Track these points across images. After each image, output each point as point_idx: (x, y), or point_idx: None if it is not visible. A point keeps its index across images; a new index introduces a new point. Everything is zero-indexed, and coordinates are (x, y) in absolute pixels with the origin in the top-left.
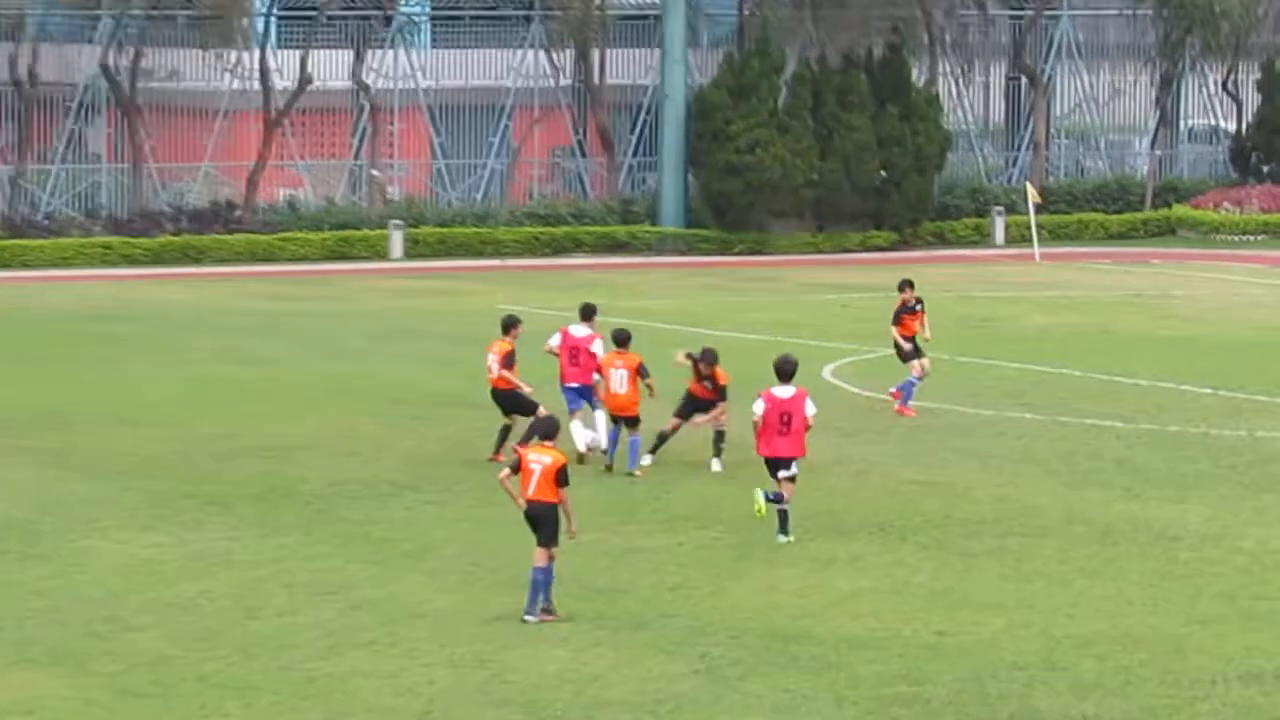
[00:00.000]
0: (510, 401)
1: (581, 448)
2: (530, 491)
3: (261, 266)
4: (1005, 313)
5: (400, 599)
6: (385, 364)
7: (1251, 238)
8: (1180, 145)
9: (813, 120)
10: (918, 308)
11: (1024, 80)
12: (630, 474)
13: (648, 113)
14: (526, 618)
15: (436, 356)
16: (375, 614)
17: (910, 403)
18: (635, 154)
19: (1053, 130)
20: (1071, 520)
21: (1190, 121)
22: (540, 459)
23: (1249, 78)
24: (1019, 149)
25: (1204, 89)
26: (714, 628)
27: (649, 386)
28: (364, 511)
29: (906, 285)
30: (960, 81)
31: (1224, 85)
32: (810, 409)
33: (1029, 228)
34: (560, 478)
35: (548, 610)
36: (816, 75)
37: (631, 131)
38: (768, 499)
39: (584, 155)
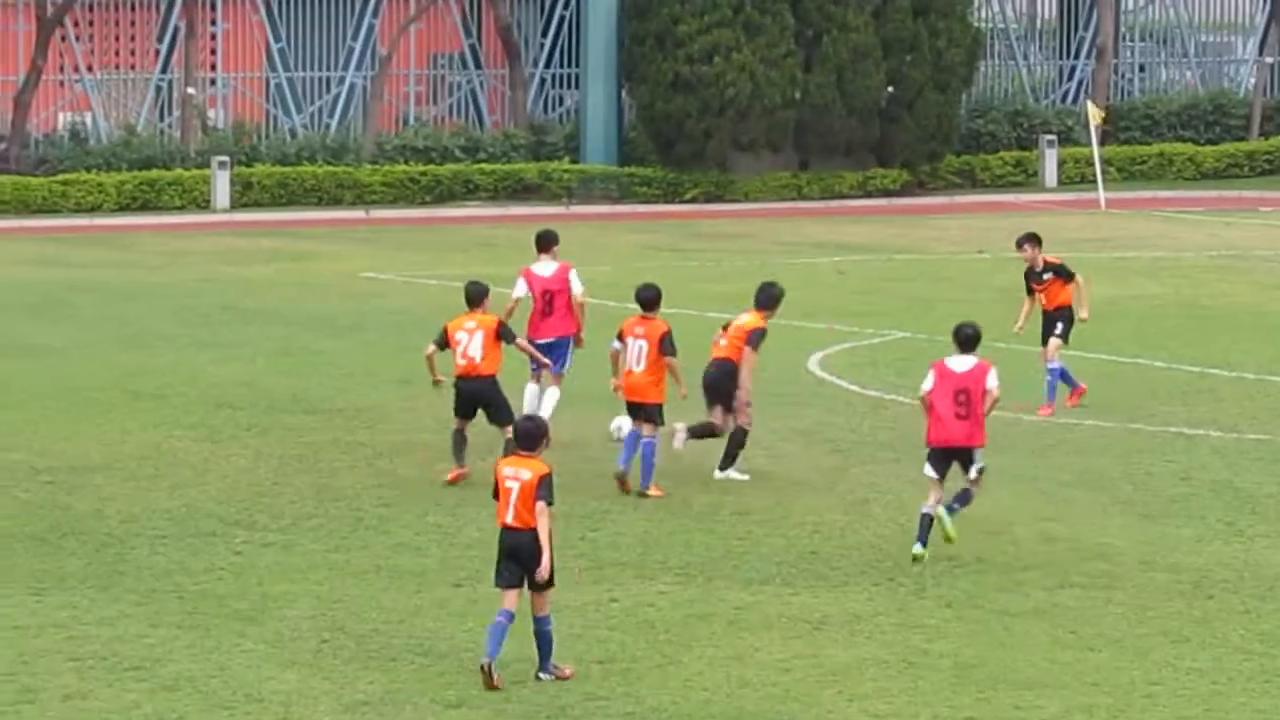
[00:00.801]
0: (485, 396)
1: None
2: (509, 518)
3: (35, 221)
4: None
5: (230, 676)
6: (205, 356)
7: None
8: None
9: (793, 17)
10: (1046, 276)
11: None
12: (644, 494)
13: (566, 7)
14: (540, 676)
15: (275, 345)
16: (195, 697)
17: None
18: (549, 64)
19: (1123, 29)
20: (1151, 566)
21: None
22: (518, 473)
23: None
24: (1077, 56)
25: None
26: (661, 716)
27: (673, 371)
28: (177, 557)
29: (1028, 242)
30: None
31: None
32: (994, 383)
33: (1091, 163)
34: (540, 490)
35: (554, 670)
36: None
37: (544, 33)
38: (950, 510)
39: (478, 66)
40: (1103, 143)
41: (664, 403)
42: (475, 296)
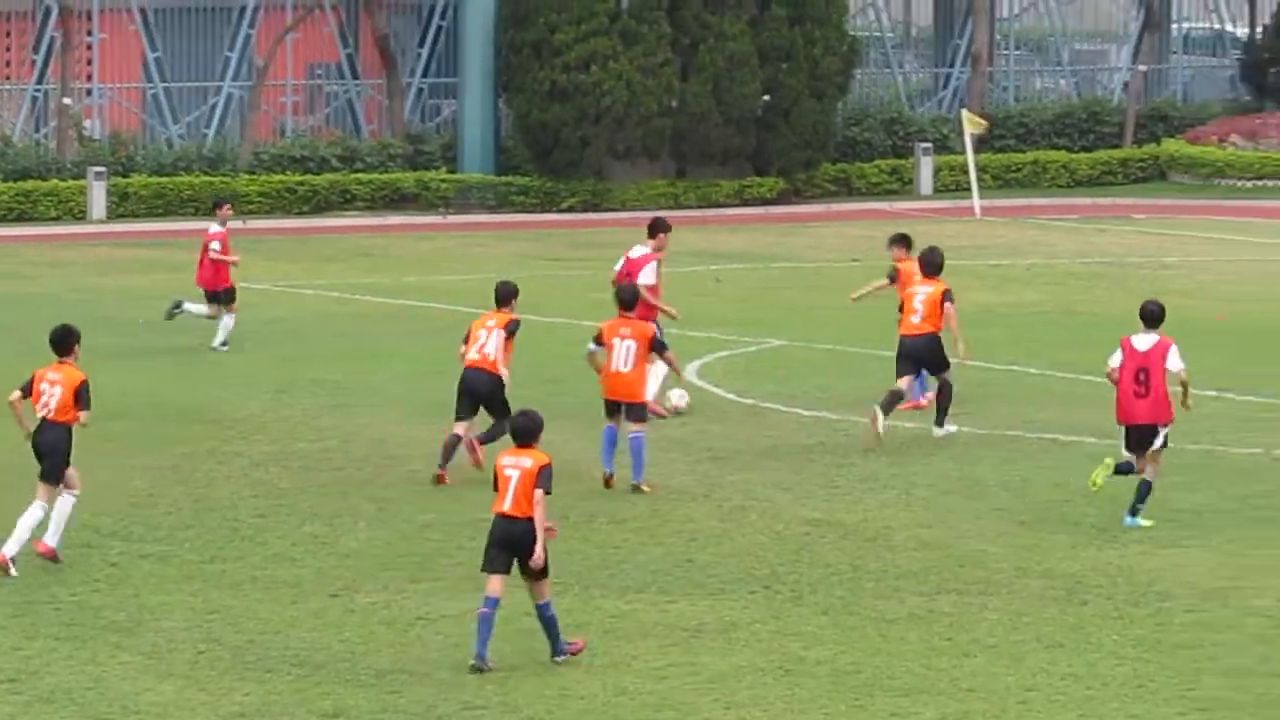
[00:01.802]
0: (488, 392)
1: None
2: (507, 505)
3: None
4: None
5: (106, 688)
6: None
7: (1270, 183)
8: (1173, 57)
9: (670, 26)
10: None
11: None
12: (637, 488)
13: (443, 16)
14: (556, 660)
15: (151, 355)
16: (72, 709)
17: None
18: (426, 74)
19: (998, 38)
20: (1026, 573)
21: (1187, 25)
22: (519, 462)
23: None
24: (953, 64)
25: None
26: None
27: (669, 361)
28: (53, 569)
29: (897, 244)
30: None
31: None
32: (1175, 362)
33: (966, 171)
34: (541, 479)
35: (566, 649)
36: None
37: (421, 43)
38: (1118, 471)
39: (355, 76)
40: (979, 150)
41: (644, 402)
42: (504, 296)
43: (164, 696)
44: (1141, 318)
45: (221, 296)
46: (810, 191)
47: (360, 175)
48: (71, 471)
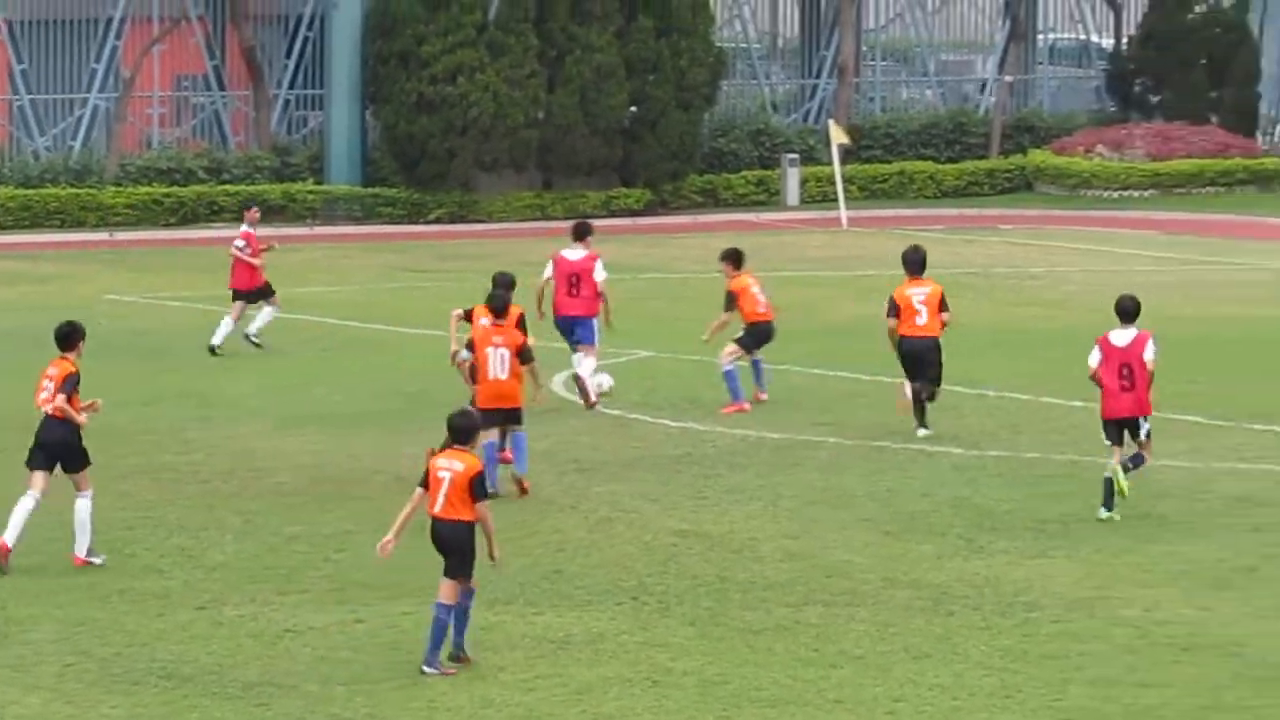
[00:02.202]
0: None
1: (592, 393)
2: (437, 507)
3: None
4: (801, 299)
5: None
6: None
7: (1135, 194)
8: (1039, 68)
9: (536, 38)
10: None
11: None
12: (519, 480)
13: (310, 28)
14: (425, 669)
15: (18, 368)
16: None
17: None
18: (293, 85)
19: (865, 49)
20: (893, 583)
21: (1052, 35)
22: (451, 464)
23: None
24: (819, 75)
25: None
26: None
27: (533, 374)
28: None
29: (725, 259)
30: None
31: None
32: (1149, 352)
33: (833, 182)
34: (474, 488)
35: (457, 658)
36: None
37: (288, 54)
38: (1125, 469)
39: (222, 88)
40: (845, 161)
41: (521, 408)
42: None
43: (30, 709)
44: (1118, 314)
45: (257, 294)
46: (677, 203)
47: (227, 187)
48: (85, 474)
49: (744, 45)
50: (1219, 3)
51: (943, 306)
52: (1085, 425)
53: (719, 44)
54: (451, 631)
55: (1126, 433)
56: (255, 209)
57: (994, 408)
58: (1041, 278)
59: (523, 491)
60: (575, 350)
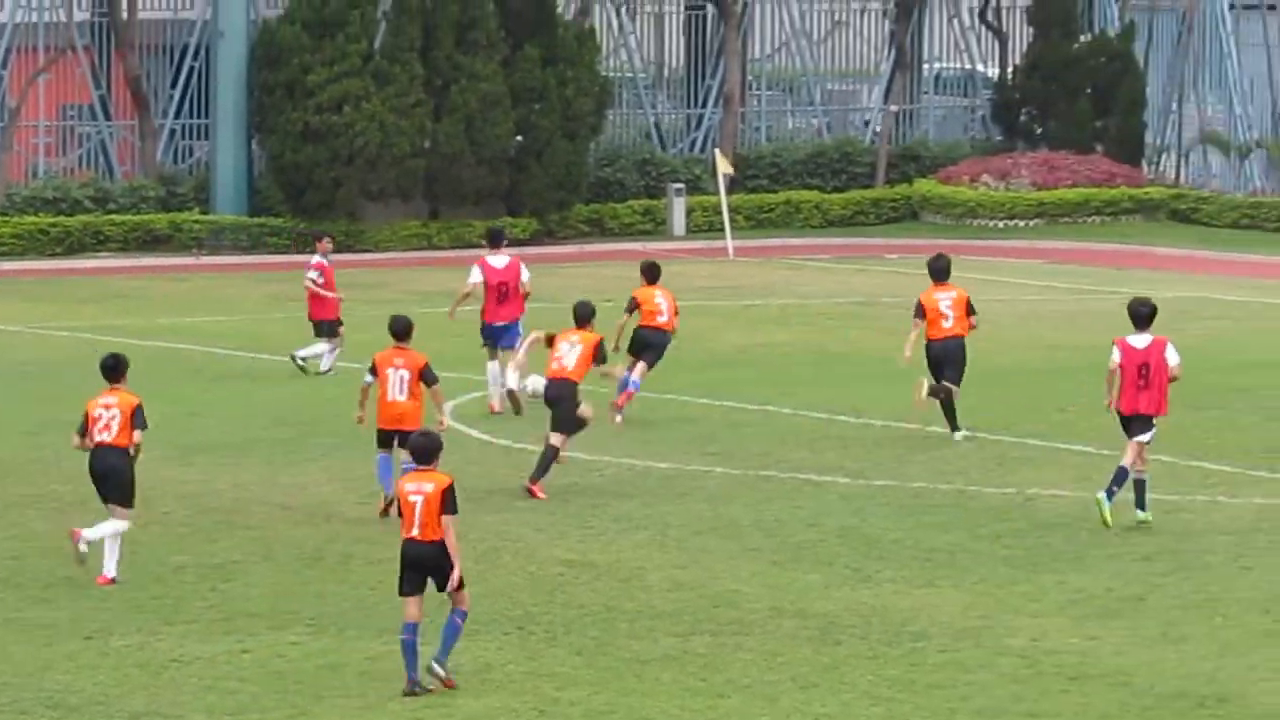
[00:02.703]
0: (565, 398)
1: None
2: (415, 530)
3: None
4: (687, 329)
5: None
6: None
7: (1021, 223)
8: (925, 98)
9: (422, 67)
10: None
11: (710, 9)
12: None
13: (195, 57)
14: (413, 689)
15: None
16: None
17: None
18: (179, 115)
19: (750, 78)
20: (780, 613)
21: (938, 65)
22: (420, 487)
23: (1016, 4)
24: (705, 104)
25: (955, 20)
26: None
27: (436, 397)
28: None
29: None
30: (624, 12)
31: (982, 15)
32: (1173, 357)
33: (719, 211)
34: (445, 503)
35: (431, 670)
36: (428, 4)
37: (173, 84)
38: (1109, 496)
39: (108, 118)
40: (731, 190)
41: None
42: (583, 316)
43: None
44: (1132, 319)
45: (324, 328)
46: (564, 232)
47: (113, 217)
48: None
49: (630, 75)
50: (1104, 32)
51: (970, 310)
52: (971, 455)
53: (605, 73)
54: (439, 644)
55: (1133, 428)
56: (327, 240)
57: (880, 437)
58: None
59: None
60: (495, 357)
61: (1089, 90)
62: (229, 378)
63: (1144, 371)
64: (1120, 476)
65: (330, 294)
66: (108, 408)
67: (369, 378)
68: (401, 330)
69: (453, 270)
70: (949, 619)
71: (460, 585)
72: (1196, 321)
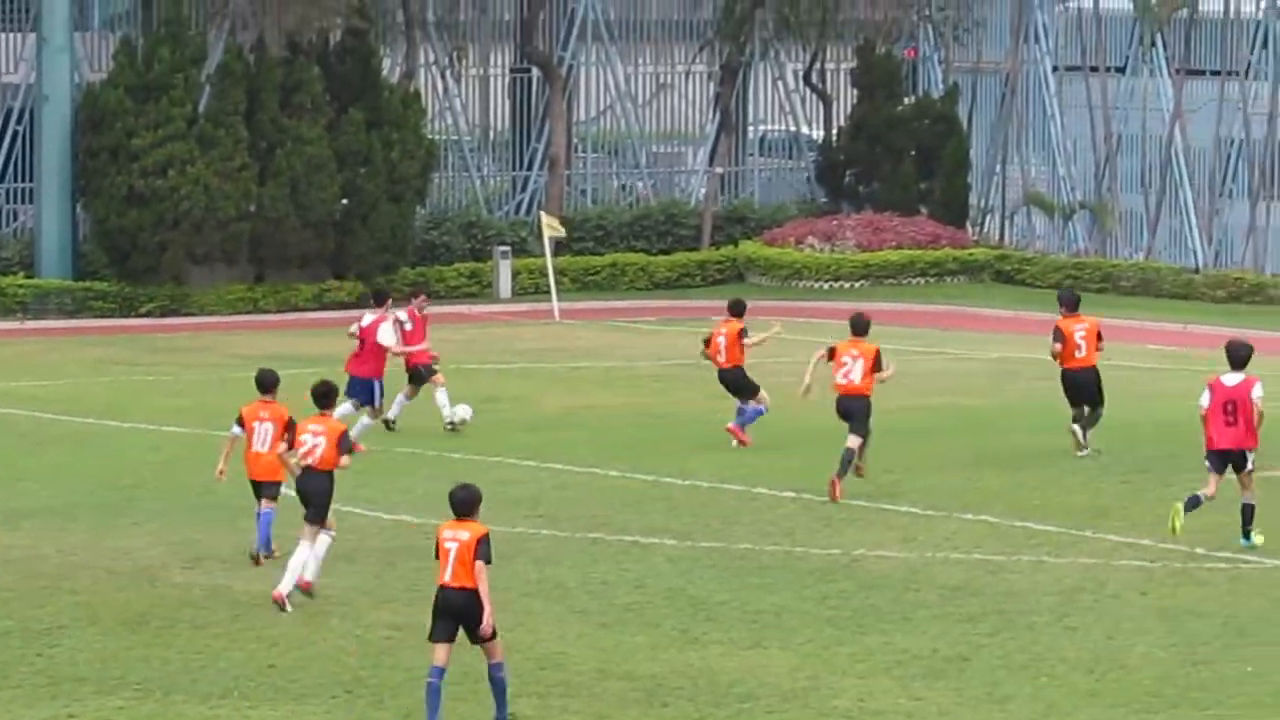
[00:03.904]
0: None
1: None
2: (448, 576)
3: None
4: (513, 391)
5: None
6: None
7: (846, 285)
8: (750, 160)
9: (247, 130)
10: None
11: (535, 72)
12: (256, 558)
13: (19, 121)
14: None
15: None
16: None
17: None
18: (3, 179)
19: (576, 140)
20: (606, 674)
21: (763, 127)
22: (457, 535)
23: (840, 67)
24: (530, 167)
25: (780, 83)
26: None
27: (289, 445)
28: None
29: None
30: (449, 75)
31: (806, 77)
32: (1257, 392)
33: (545, 274)
34: (480, 551)
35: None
36: (252, 68)
37: None
38: (1189, 507)
39: None
40: (557, 253)
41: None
42: (861, 327)
43: None
44: (1229, 359)
45: (419, 374)
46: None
47: None
48: (330, 515)
49: (455, 138)
50: (928, 94)
51: (1099, 339)
52: (797, 515)
53: (430, 136)
54: (494, 707)
55: (1231, 466)
56: (422, 295)
57: (706, 498)
58: (751, 369)
59: (256, 561)
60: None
61: (913, 152)
62: (54, 442)
63: (1229, 408)
64: (1193, 502)
65: (415, 345)
66: (315, 434)
67: (236, 430)
68: (268, 383)
69: (277, 334)
70: (776, 680)
71: (493, 635)
72: (1020, 382)
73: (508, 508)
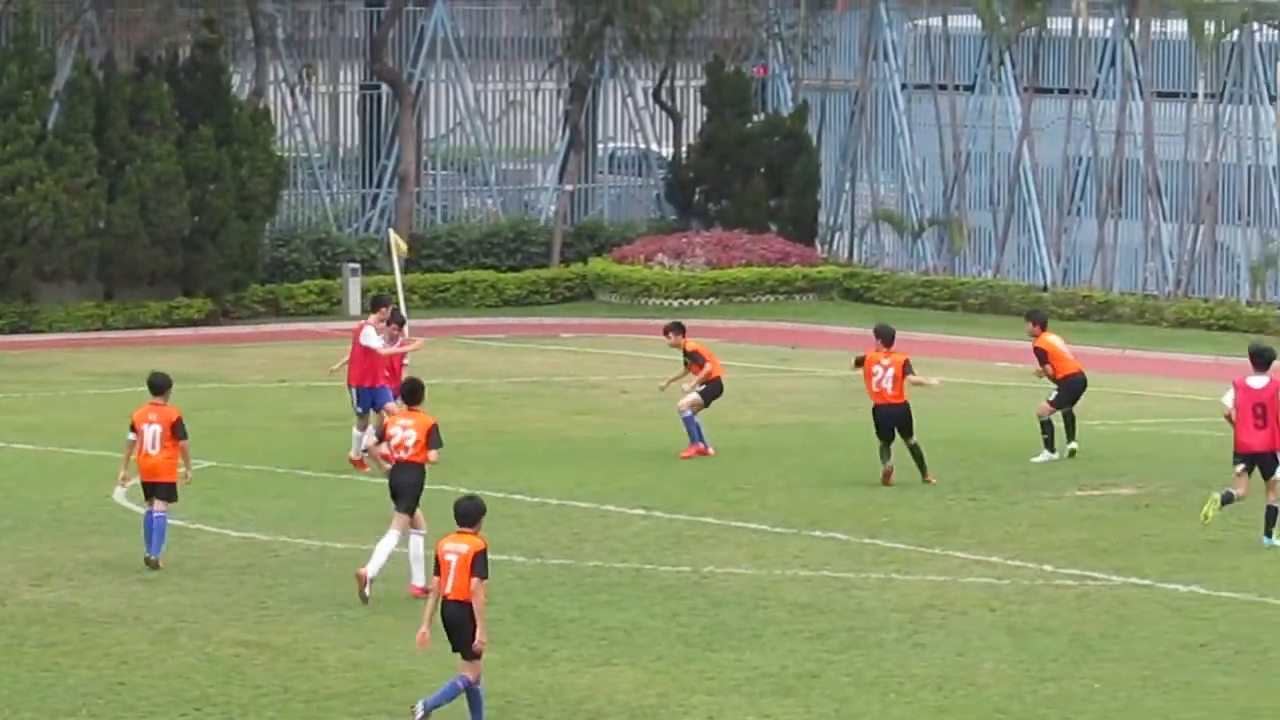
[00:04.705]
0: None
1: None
2: (448, 589)
3: None
4: None
5: None
6: None
7: (695, 302)
8: (599, 177)
9: (96, 147)
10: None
11: (386, 89)
12: (152, 561)
13: None
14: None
15: None
16: None
17: None
18: None
19: (426, 157)
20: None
21: (612, 144)
22: (457, 547)
23: (690, 84)
24: (380, 184)
25: (630, 100)
26: None
27: (183, 453)
28: None
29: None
30: (299, 92)
31: (656, 95)
32: None
33: (394, 291)
34: (476, 566)
35: None
36: (101, 85)
37: None
38: (1224, 501)
39: None
40: (406, 270)
41: (177, 481)
42: (887, 336)
43: None
44: (1252, 362)
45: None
46: (239, 312)
47: None
48: (419, 512)
49: (305, 155)
50: (777, 112)
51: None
52: (646, 533)
53: (280, 153)
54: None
55: (1259, 469)
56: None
57: (556, 515)
58: (601, 385)
59: (153, 565)
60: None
61: (763, 170)
62: None
63: (1259, 411)
64: (1227, 498)
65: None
66: (404, 428)
67: (131, 435)
68: (158, 386)
69: (127, 351)
70: (625, 697)
71: (479, 654)
72: (867, 400)
73: (358, 525)
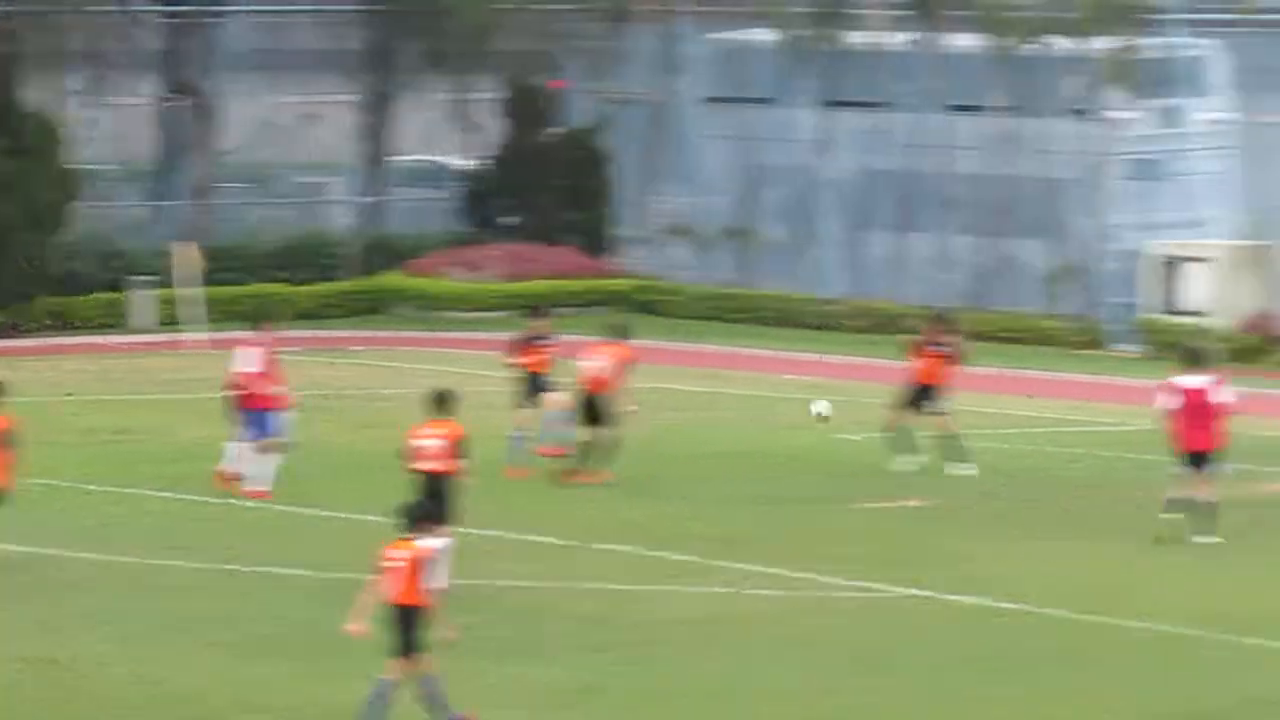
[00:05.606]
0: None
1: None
2: (392, 593)
3: None
4: (148, 423)
5: None
6: None
7: (489, 315)
8: (395, 189)
9: None
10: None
11: (181, 101)
12: None
13: None
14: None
15: None
16: None
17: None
18: None
19: (220, 170)
20: (244, 707)
21: (407, 157)
22: (399, 553)
23: (487, 97)
24: (173, 197)
25: (426, 113)
26: None
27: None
28: None
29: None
30: (93, 103)
31: (453, 108)
32: (1228, 395)
33: (184, 304)
34: (421, 569)
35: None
36: None
37: None
38: (1187, 513)
39: None
40: (197, 283)
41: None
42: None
43: None
44: (1187, 362)
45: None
46: (27, 326)
47: None
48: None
49: (97, 167)
50: (574, 125)
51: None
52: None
53: (71, 165)
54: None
55: (1196, 465)
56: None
57: (344, 530)
58: (390, 399)
59: None
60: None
61: (559, 182)
62: None
63: (1202, 410)
64: (1179, 505)
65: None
66: (432, 437)
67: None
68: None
69: None
70: (412, 713)
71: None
72: (660, 413)
73: (143, 539)
